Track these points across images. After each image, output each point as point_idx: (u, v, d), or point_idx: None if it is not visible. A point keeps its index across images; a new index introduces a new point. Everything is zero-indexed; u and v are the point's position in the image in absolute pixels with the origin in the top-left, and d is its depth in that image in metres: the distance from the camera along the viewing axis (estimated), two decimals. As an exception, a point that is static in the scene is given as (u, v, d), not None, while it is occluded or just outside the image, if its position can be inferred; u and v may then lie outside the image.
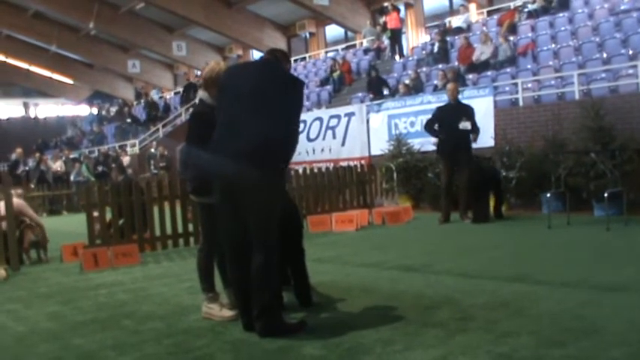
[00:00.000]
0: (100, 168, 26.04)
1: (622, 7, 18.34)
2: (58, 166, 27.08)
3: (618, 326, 4.87)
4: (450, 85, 12.91)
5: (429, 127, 12.54)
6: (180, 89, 36.07)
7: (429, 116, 12.77)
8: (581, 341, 4.58)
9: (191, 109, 29.88)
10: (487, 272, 7.28)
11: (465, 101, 14.58)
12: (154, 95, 39.25)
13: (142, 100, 39.07)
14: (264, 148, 5.15)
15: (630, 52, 15.47)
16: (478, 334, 4.89)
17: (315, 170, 13.76)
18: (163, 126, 30.89)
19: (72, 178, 25.92)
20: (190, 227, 11.28)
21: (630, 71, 14.51)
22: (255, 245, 5.19)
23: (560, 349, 4.43)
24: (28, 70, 46.92)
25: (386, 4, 26.34)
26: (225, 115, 5.41)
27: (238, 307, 5.56)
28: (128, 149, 30.00)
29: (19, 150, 28.35)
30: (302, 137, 18.53)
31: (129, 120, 35.66)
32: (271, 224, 5.22)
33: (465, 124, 12.21)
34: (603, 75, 15.12)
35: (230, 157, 5.20)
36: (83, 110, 49.42)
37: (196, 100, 6.63)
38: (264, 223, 5.19)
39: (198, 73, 37.82)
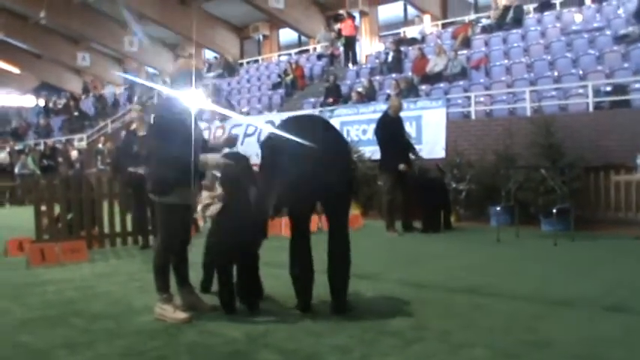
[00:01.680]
0: (45, 161, 25.57)
1: (573, 28, 18.71)
2: (2, 157, 26.54)
3: (570, 340, 4.96)
4: (396, 101, 12.68)
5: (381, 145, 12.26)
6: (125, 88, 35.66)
7: (374, 134, 12.53)
8: (535, 354, 4.66)
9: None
10: (439, 283, 7.33)
11: (417, 112, 14.73)
12: (109, 90, 38.76)
13: (91, 94, 38.53)
14: None
15: (580, 72, 15.77)
16: (434, 345, 4.93)
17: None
18: (112, 121, 30.51)
19: (16, 170, 25.43)
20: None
21: (580, 91, 14.81)
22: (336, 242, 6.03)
23: (515, 362, 4.50)
24: (-28, 57, 45.89)
25: (341, 11, 26.43)
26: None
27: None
28: (75, 143, 29.54)
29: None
30: (253, 140, 18.48)
31: (76, 113, 35.10)
32: None
33: (408, 138, 12.37)
34: (554, 93, 15.41)
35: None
36: (29, 101, 48.45)
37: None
38: None
39: (150, 69, 37.52)
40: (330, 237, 6.08)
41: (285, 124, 6.19)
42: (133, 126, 10.91)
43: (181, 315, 5.81)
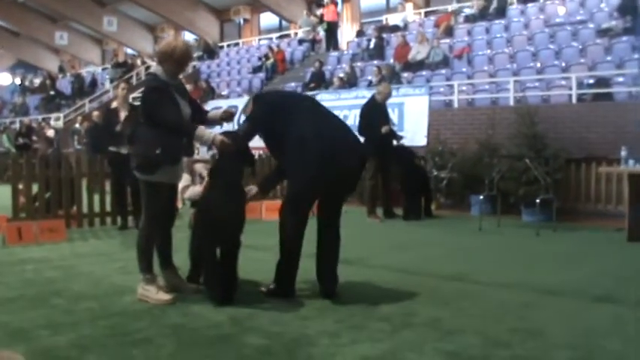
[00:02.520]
0: (21, 139, 25.27)
1: (556, 20, 18.73)
2: (-24, 134, 26.23)
3: (561, 329, 4.93)
4: (387, 88, 12.62)
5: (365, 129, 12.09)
6: (109, 67, 35.31)
7: (359, 118, 12.50)
8: (527, 342, 4.61)
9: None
10: (424, 269, 7.28)
11: (400, 99, 14.65)
12: (86, 70, 38.39)
13: (68, 74, 38.12)
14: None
15: (563, 64, 15.78)
16: (423, 331, 4.87)
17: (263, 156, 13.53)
18: (90, 101, 30.20)
19: (-9, 148, 25.17)
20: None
21: (563, 82, 14.82)
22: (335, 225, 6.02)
23: (507, 350, 4.45)
24: (-53, 32, 45.19)
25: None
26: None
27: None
28: (52, 122, 29.19)
29: None
30: (234, 124, 18.33)
31: (52, 92, 34.69)
32: None
33: (391, 124, 12.42)
34: (537, 84, 15.41)
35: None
36: (5, 79, 47.88)
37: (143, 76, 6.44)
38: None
39: (128, 50, 37.17)
40: (327, 222, 5.99)
41: (292, 105, 6.14)
42: (114, 104, 10.69)
43: (165, 296, 5.71)
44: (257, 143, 6.09)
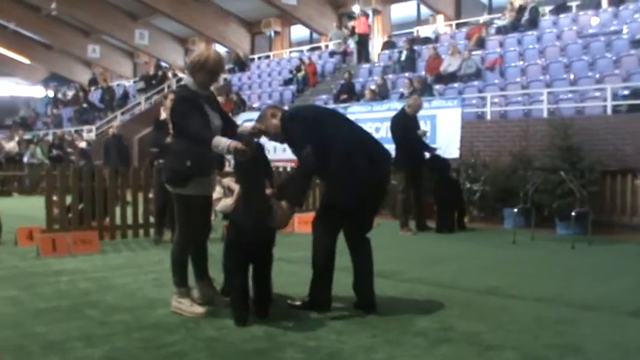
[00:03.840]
0: (54, 151, 25.50)
1: (590, 31, 18.56)
2: (11, 146, 26.45)
3: (599, 345, 4.85)
4: (418, 100, 12.53)
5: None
6: (137, 80, 35.61)
7: (390, 131, 12.40)
8: (565, 358, 4.54)
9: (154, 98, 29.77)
10: (459, 283, 7.20)
11: (432, 111, 14.59)
12: (118, 82, 38.74)
13: (99, 86, 38.47)
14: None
15: (597, 76, 15.63)
16: (461, 346, 4.80)
17: (280, 169, 13.56)
18: (122, 113, 30.46)
19: (25, 159, 25.38)
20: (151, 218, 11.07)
21: (597, 94, 14.67)
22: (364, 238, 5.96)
23: (547, 367, 4.37)
24: (-17, 46, 45.82)
25: (355, 6, 26.32)
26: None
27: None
28: (84, 134, 29.46)
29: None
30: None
31: (85, 105, 35.06)
32: None
33: (423, 136, 12.40)
34: (570, 95, 15.27)
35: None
36: (38, 92, 48.44)
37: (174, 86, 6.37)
38: None
39: (162, 63, 37.43)
40: (359, 235, 5.96)
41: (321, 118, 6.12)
42: (163, 116, 10.51)
43: (198, 309, 5.69)
44: (277, 155, 6.01)
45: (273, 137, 6.04)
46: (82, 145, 25.29)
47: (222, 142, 5.38)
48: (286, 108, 6.79)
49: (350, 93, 20.77)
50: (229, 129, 5.94)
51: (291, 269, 7.72)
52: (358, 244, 5.92)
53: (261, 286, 5.59)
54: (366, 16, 25.85)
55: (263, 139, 6.05)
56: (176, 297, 5.82)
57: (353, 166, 5.67)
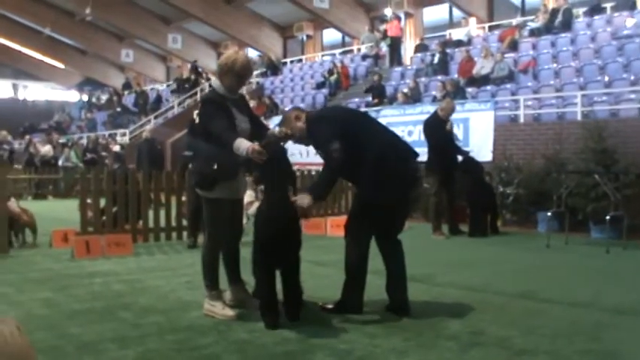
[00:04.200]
0: (88, 155, 25.78)
1: (624, 32, 18.34)
2: (46, 150, 26.78)
3: (636, 350, 4.81)
4: (450, 103, 12.43)
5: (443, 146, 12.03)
6: (171, 83, 35.94)
7: (424, 134, 12.43)
8: (601, 364, 4.48)
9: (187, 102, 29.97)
10: (491, 287, 7.15)
11: (465, 114, 14.52)
12: (151, 86, 39.06)
13: (133, 90, 38.80)
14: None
15: (632, 77, 15.45)
16: (493, 350, 4.76)
17: (313, 173, 13.56)
18: (155, 117, 30.70)
19: (60, 162, 25.68)
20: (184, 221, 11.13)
21: (632, 96, 14.51)
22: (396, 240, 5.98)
23: (581, 372, 4.32)
24: (19, 51, 46.35)
25: (387, 10, 26.28)
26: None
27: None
28: (118, 138, 29.75)
29: (3, 132, 28.16)
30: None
31: (119, 109, 35.40)
32: None
33: (457, 139, 12.45)
34: (604, 98, 15.11)
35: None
36: (72, 96, 49.00)
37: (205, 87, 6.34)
38: None
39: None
40: (391, 237, 5.98)
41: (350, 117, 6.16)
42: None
43: (230, 312, 5.71)
44: (304, 159, 5.99)
45: (299, 140, 6.03)
46: (116, 148, 25.57)
47: (242, 144, 5.31)
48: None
49: (380, 96, 20.72)
50: (259, 133, 5.92)
51: (323, 272, 7.73)
52: (390, 247, 5.91)
53: (290, 289, 5.57)
54: (399, 19, 25.77)
55: (289, 144, 6.05)
56: (208, 300, 5.84)
57: (384, 166, 5.65)
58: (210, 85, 6.12)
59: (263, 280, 5.51)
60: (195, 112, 5.95)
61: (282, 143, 5.88)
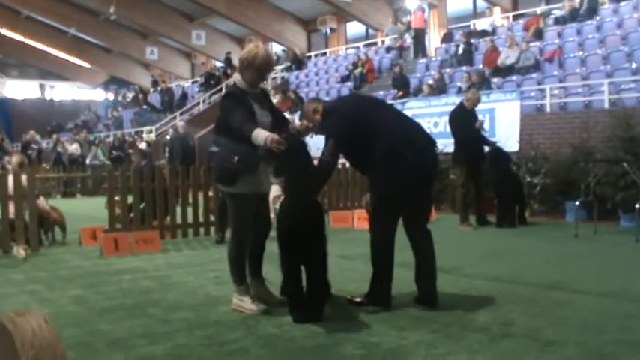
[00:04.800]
0: (115, 153, 25.98)
1: (652, 18, 18.17)
2: (74, 148, 27.03)
3: (668, 341, 4.73)
4: (475, 94, 12.37)
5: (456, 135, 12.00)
6: (198, 78, 36.10)
7: (449, 125, 12.34)
8: (633, 355, 4.43)
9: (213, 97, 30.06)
10: (520, 278, 7.11)
11: (491, 105, 14.43)
12: (176, 83, 39.28)
13: (159, 88, 39.03)
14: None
15: (660, 64, 15.31)
16: (522, 341, 4.73)
17: (339, 166, 13.55)
18: (181, 114, 30.84)
19: (88, 161, 25.91)
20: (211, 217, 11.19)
21: (660, 83, 14.37)
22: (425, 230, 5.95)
23: (612, 362, 4.29)
24: (45, 51, 46.80)
25: (410, 1, 26.19)
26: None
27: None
28: (144, 135, 29.94)
29: (32, 132, 28.53)
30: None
31: (145, 107, 35.63)
32: None
33: (483, 130, 12.31)
34: (632, 85, 14.95)
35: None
36: (98, 95, 49.38)
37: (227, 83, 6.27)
38: None
39: (216, 63, 37.75)
40: (419, 226, 5.97)
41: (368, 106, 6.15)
42: None
43: (259, 307, 5.69)
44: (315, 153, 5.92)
45: (319, 133, 5.97)
46: (142, 146, 25.70)
47: (260, 134, 5.26)
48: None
49: (403, 88, 20.65)
50: (281, 127, 5.87)
51: (351, 266, 7.72)
52: (419, 237, 5.89)
53: (313, 287, 5.44)
54: (422, 11, 25.67)
55: (308, 139, 6.03)
56: (236, 295, 5.84)
57: (397, 156, 5.62)
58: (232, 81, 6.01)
59: (288, 275, 5.48)
60: None
61: (302, 137, 5.87)
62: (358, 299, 5.90)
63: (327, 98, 23.68)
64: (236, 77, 5.91)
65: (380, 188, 5.87)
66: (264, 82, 6.37)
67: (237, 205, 5.76)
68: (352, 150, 5.92)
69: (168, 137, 26.25)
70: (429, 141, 6.03)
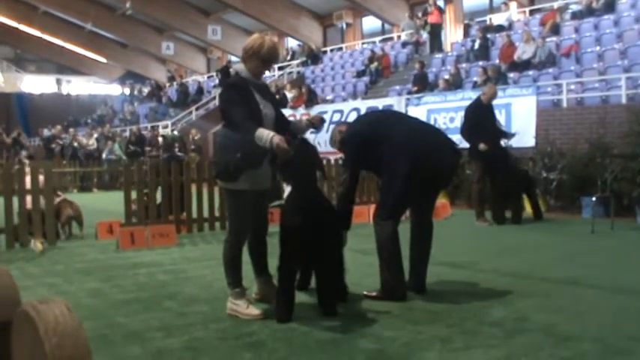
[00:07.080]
0: (131, 147, 26.08)
1: (670, 12, 18.04)
2: (90, 143, 27.16)
3: (685, 337, 4.70)
4: (492, 89, 12.25)
5: (470, 131, 11.85)
6: (214, 73, 36.15)
7: (464, 119, 12.25)
8: (651, 351, 4.41)
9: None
10: (536, 273, 7.09)
11: (507, 100, 14.37)
12: (192, 78, 39.36)
13: (175, 83, 39.13)
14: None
15: (678, 59, 15.20)
16: (538, 336, 4.72)
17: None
18: (197, 109, 30.91)
19: (104, 155, 26.03)
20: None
21: (678, 78, 14.27)
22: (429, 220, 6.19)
23: (628, 358, 4.26)
24: (62, 47, 47.02)
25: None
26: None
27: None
28: (160, 130, 30.02)
29: (58, 127, 28.74)
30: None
31: (162, 101, 35.76)
32: None
33: (499, 126, 12.22)
34: (650, 80, 14.88)
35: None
36: (115, 89, 49.55)
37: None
38: None
39: (232, 58, 37.80)
40: (421, 219, 6.15)
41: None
42: None
43: (255, 311, 5.42)
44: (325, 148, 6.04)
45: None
46: (159, 140, 25.81)
47: (265, 134, 5.04)
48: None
49: (423, 84, 20.62)
50: (282, 124, 5.69)
51: (367, 261, 7.70)
52: (420, 222, 6.14)
53: (322, 284, 5.39)
54: (438, 8, 25.60)
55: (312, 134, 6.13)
56: (231, 299, 5.56)
57: (399, 154, 5.83)
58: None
59: (282, 274, 5.27)
60: None
61: (307, 131, 5.90)
62: (374, 294, 5.92)
63: (342, 93, 23.74)
64: (239, 67, 5.66)
65: (386, 184, 6.13)
66: (273, 74, 6.28)
67: (237, 202, 5.50)
68: (371, 167, 6.32)
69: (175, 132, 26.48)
70: (449, 150, 6.12)
